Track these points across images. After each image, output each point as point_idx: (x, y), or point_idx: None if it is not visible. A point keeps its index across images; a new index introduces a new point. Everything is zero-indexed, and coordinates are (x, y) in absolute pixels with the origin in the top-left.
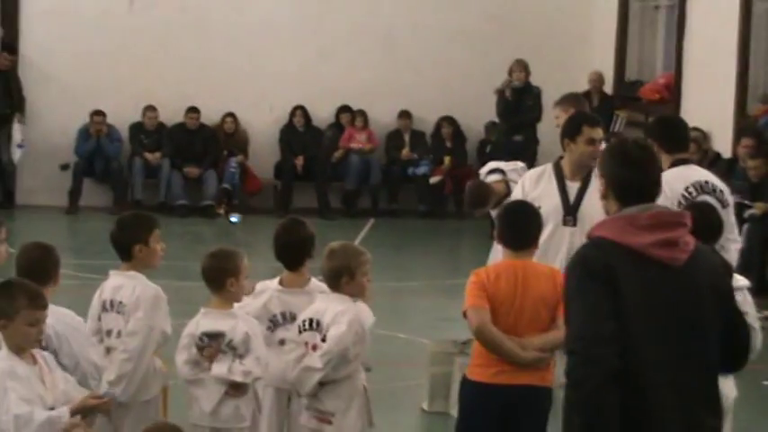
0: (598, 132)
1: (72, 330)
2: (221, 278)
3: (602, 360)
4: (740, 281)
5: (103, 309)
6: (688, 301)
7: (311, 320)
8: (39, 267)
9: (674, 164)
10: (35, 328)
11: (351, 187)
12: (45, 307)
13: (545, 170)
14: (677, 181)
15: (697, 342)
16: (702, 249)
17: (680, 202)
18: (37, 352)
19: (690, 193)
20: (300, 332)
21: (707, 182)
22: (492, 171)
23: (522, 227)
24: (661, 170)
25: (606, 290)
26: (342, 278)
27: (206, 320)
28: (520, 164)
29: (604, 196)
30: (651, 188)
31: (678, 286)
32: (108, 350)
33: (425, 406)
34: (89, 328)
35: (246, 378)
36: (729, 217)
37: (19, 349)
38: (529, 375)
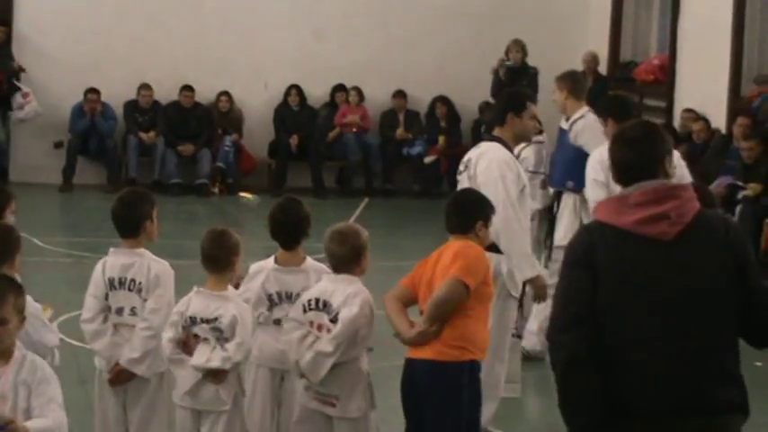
0: (536, 109)
1: (30, 318)
2: (224, 260)
3: (563, 347)
4: None
5: (111, 287)
6: (680, 274)
7: (317, 300)
8: None
9: None
10: None
11: (348, 164)
12: None
13: (507, 153)
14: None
15: (693, 315)
16: (707, 220)
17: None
18: (23, 357)
19: None
20: (305, 311)
21: None
22: None
23: (458, 212)
24: (662, 148)
25: (583, 275)
26: (356, 260)
27: (197, 300)
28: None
29: (613, 177)
30: (647, 166)
31: (667, 260)
32: (116, 327)
33: None
34: (89, 307)
35: (225, 364)
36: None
37: None
38: (426, 349)
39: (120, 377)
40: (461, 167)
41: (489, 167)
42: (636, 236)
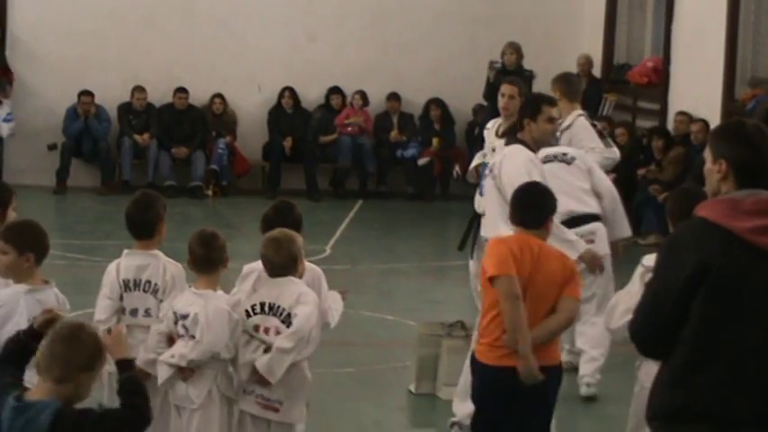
0: (556, 111)
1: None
2: (217, 264)
3: (648, 352)
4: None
5: (126, 288)
6: None
7: (262, 304)
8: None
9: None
10: None
11: (341, 166)
12: None
13: (531, 153)
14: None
15: None
16: None
17: None
18: None
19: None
20: (249, 316)
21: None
22: None
23: (533, 206)
24: None
25: (684, 273)
26: (293, 265)
27: (182, 297)
28: None
29: (724, 177)
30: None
31: None
32: (129, 328)
33: (412, 388)
34: (103, 308)
35: (180, 361)
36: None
37: None
38: (546, 356)
39: None
40: (487, 171)
41: (516, 166)
42: (745, 243)
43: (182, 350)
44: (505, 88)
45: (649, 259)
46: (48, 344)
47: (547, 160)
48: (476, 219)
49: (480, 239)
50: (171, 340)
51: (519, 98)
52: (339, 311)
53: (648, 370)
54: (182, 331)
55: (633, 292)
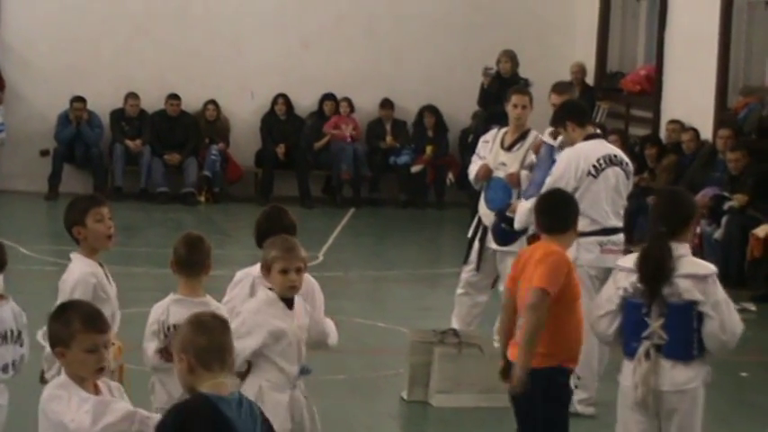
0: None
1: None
2: (199, 267)
3: None
4: (708, 267)
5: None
6: None
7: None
8: None
9: (587, 138)
10: (94, 354)
11: (337, 175)
12: (103, 331)
13: None
14: (591, 152)
15: None
16: None
17: (589, 171)
18: (103, 382)
19: (600, 164)
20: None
21: (615, 155)
22: None
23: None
24: None
25: None
26: (262, 268)
27: (177, 308)
28: None
29: None
30: None
31: None
32: None
33: (405, 395)
34: None
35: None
36: (630, 186)
37: (79, 379)
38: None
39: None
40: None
41: None
42: None
43: None
44: (517, 99)
45: (625, 260)
46: (209, 337)
47: (611, 162)
48: (480, 229)
49: (488, 252)
50: (166, 352)
51: (530, 107)
52: (335, 337)
53: (626, 372)
54: None
55: (604, 293)
